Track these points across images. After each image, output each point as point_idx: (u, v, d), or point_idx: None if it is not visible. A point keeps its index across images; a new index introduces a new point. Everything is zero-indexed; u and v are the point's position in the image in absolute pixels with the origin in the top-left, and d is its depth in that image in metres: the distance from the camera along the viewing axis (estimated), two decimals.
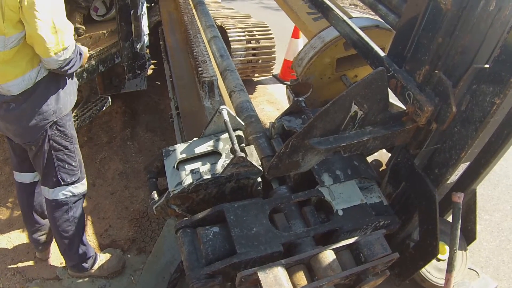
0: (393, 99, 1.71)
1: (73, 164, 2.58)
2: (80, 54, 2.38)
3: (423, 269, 2.07)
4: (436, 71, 1.41)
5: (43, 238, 2.94)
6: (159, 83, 5.78)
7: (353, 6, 14.72)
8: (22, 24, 2.03)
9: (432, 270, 2.16)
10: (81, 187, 2.68)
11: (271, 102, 5.93)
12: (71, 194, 2.63)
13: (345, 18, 1.93)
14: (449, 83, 1.36)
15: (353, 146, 1.56)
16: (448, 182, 1.56)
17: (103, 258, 2.97)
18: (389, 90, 1.57)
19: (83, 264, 2.83)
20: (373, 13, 2.27)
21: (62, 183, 2.57)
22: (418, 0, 1.48)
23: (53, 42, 2.06)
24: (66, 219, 2.65)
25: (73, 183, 2.62)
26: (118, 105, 5.07)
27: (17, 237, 3.30)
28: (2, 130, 2.47)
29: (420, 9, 1.45)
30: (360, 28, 1.87)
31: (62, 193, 2.60)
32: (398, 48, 1.59)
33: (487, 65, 1.32)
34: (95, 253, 2.93)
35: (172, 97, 3.34)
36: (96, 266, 2.92)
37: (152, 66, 6.14)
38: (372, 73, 1.38)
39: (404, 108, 1.58)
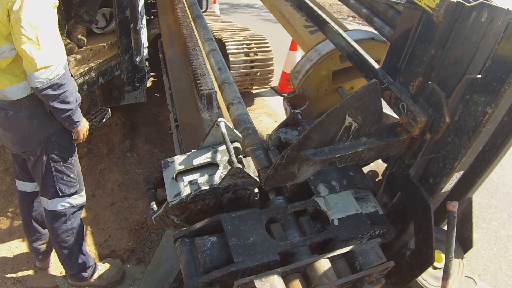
0: (388, 110, 1.75)
1: (71, 175, 2.59)
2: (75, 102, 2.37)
3: (419, 278, 2.08)
4: (430, 82, 1.44)
5: (43, 247, 2.96)
6: (158, 95, 5.83)
7: (351, 18, 14.83)
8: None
9: (429, 278, 2.17)
10: (79, 198, 2.69)
11: (269, 114, 5.97)
12: (69, 205, 2.64)
13: (341, 31, 1.96)
14: (442, 94, 1.39)
15: (348, 157, 1.59)
16: (443, 191, 1.59)
17: (102, 267, 2.98)
18: (384, 102, 1.60)
19: (83, 274, 2.84)
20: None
21: (61, 194, 2.58)
22: (411, 13, 1.51)
23: (36, 57, 2.06)
24: (64, 229, 2.66)
25: (71, 194, 2.63)
26: (117, 117, 5.11)
27: (17, 246, 3.32)
28: (1, 139, 2.50)
29: (413, 22, 1.49)
30: (356, 40, 1.90)
31: (61, 204, 2.61)
32: (392, 60, 1.63)
33: (479, 76, 1.35)
34: (95, 263, 2.94)
35: (171, 109, 3.37)
36: (95, 276, 2.93)
37: (151, 79, 6.18)
38: (365, 86, 1.41)
39: (398, 118, 1.61)
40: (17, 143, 2.40)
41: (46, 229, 2.88)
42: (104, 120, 3.65)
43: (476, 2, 1.28)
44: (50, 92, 2.17)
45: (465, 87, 1.36)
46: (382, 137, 1.58)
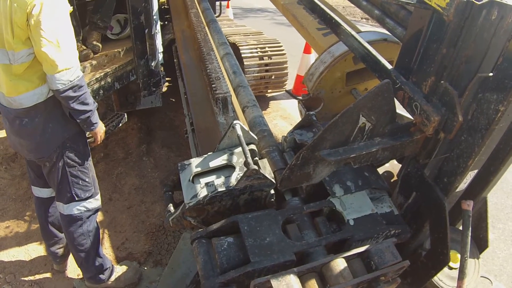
0: (402, 110, 1.75)
1: (86, 180, 2.65)
2: (89, 104, 2.43)
3: (435, 278, 2.08)
4: (442, 81, 1.45)
5: (60, 251, 3.02)
6: (173, 100, 5.88)
7: (364, 20, 14.79)
8: (31, 42, 2.14)
9: (445, 279, 2.17)
10: (95, 202, 2.75)
11: (284, 117, 5.99)
12: (85, 209, 2.70)
13: (353, 33, 1.97)
14: (455, 93, 1.39)
15: (363, 157, 1.59)
16: (457, 190, 1.59)
17: (119, 270, 3.02)
18: (397, 102, 1.61)
19: (100, 276, 2.89)
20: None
21: (77, 199, 2.64)
22: (422, 13, 1.52)
23: (56, 60, 2.15)
24: (81, 233, 2.71)
25: (87, 198, 2.69)
26: (133, 121, 5.17)
27: (35, 249, 3.38)
28: (15, 147, 2.57)
29: (424, 22, 1.49)
30: (368, 42, 1.91)
31: (77, 208, 2.67)
32: (405, 61, 1.64)
33: (491, 74, 1.36)
34: (112, 265, 2.99)
35: (186, 114, 3.40)
36: (113, 278, 2.97)
37: (166, 84, 6.24)
38: (378, 86, 1.42)
39: (412, 118, 1.61)
40: (32, 150, 2.46)
41: (63, 234, 2.93)
42: (120, 124, 3.70)
43: (486, 0, 1.29)
44: (71, 93, 2.26)
45: (477, 85, 1.37)
46: (396, 137, 1.59)
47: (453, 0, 1.33)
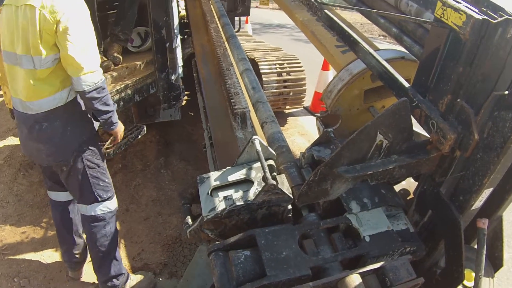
0: (419, 128, 1.77)
1: (106, 180, 2.78)
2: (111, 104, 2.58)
3: None
4: (458, 100, 1.46)
5: (76, 257, 3.07)
6: (192, 114, 5.94)
7: (382, 37, 14.81)
8: (57, 47, 2.32)
9: None
10: (115, 202, 2.88)
11: (302, 133, 6.01)
12: (108, 210, 2.82)
13: (371, 50, 2.00)
14: (471, 111, 1.41)
15: (380, 175, 1.61)
16: (473, 208, 1.59)
17: (134, 279, 3.07)
18: (414, 119, 1.63)
19: (114, 281, 2.93)
20: None
21: (99, 199, 2.77)
22: (439, 31, 1.54)
23: (82, 63, 2.31)
24: (103, 234, 2.81)
25: (108, 198, 2.82)
26: (152, 134, 5.24)
27: (50, 256, 3.44)
28: (32, 153, 2.65)
29: (441, 40, 1.51)
30: (386, 60, 1.94)
31: (100, 208, 2.78)
32: (422, 79, 1.65)
33: (506, 92, 1.37)
34: (127, 273, 3.03)
35: (205, 128, 3.44)
36: (127, 286, 3.01)
37: (185, 97, 6.31)
38: (395, 104, 1.44)
39: (428, 136, 1.63)
40: (51, 153, 2.54)
41: (80, 240, 3.03)
42: (139, 136, 3.76)
43: (502, 18, 1.30)
44: (95, 94, 2.42)
45: (493, 103, 1.38)
46: (413, 154, 1.60)
47: (469, 18, 1.35)
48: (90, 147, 2.64)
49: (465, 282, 1.97)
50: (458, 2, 1.44)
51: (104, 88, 2.47)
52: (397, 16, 2.29)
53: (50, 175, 2.84)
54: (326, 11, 2.53)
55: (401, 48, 2.43)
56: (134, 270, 3.32)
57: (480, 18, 1.32)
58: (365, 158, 1.58)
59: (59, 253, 3.41)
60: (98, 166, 2.72)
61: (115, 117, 2.64)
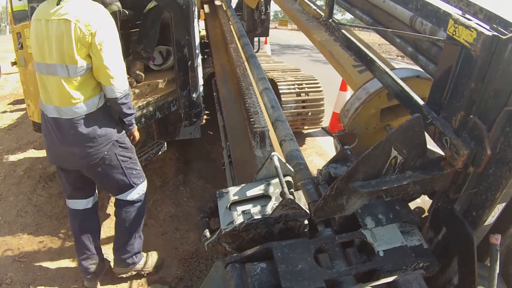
0: (434, 146, 1.80)
1: (138, 168, 3.12)
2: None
3: None
4: (471, 116, 1.49)
5: (93, 267, 3.15)
6: (211, 133, 6.01)
7: (400, 58, 14.83)
8: (90, 57, 2.57)
9: None
10: (145, 183, 3.22)
11: (320, 154, 6.04)
12: (142, 192, 3.17)
13: (387, 69, 2.04)
14: (484, 127, 1.43)
15: (394, 190, 1.63)
16: (486, 224, 1.60)
17: None
18: (429, 137, 1.66)
19: (134, 257, 3.27)
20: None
21: (135, 186, 3.07)
22: (452, 49, 1.57)
23: (114, 72, 2.60)
24: (137, 214, 3.15)
25: (141, 183, 3.14)
26: (171, 152, 5.32)
27: (67, 266, 3.51)
28: (63, 159, 2.84)
29: (453, 58, 1.54)
30: (402, 78, 1.98)
31: (136, 193, 3.11)
32: (436, 96, 1.69)
33: None
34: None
35: (224, 146, 3.49)
36: (141, 264, 3.38)
37: (205, 116, 6.40)
38: (409, 120, 1.48)
39: (442, 153, 1.66)
40: (85, 155, 2.73)
41: (97, 249, 3.16)
42: (160, 152, 3.85)
43: (511, 34, 1.34)
44: (124, 100, 2.74)
45: (504, 119, 1.40)
46: (427, 170, 1.63)
47: (479, 35, 1.38)
48: (120, 144, 2.90)
49: None
50: (469, 20, 1.48)
51: (129, 94, 2.79)
52: (411, 35, 2.34)
53: (73, 181, 3.01)
54: (343, 31, 2.59)
55: (417, 68, 2.47)
56: (150, 283, 3.36)
57: (490, 34, 1.35)
58: (380, 173, 1.61)
59: (76, 263, 3.47)
60: (130, 158, 3.00)
61: (133, 119, 2.96)
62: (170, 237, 3.88)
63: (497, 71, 1.38)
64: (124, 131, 2.95)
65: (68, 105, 2.59)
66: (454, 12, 1.61)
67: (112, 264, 3.37)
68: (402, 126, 1.49)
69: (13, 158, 5.61)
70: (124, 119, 2.84)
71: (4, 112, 8.20)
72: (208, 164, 5.36)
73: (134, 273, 3.36)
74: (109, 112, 2.81)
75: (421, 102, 1.76)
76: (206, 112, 6.10)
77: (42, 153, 5.68)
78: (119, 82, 2.65)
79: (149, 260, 3.44)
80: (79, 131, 2.64)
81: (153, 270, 3.44)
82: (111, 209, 4.23)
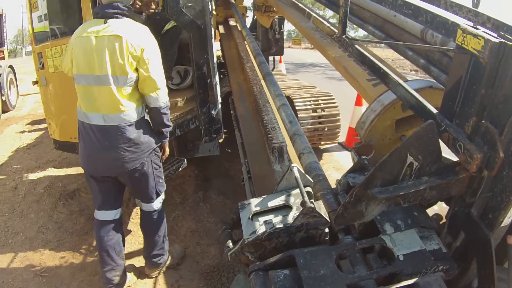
0: (449, 155, 1.84)
1: (162, 177, 3.35)
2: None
3: None
4: (483, 121, 1.54)
5: (116, 279, 3.24)
6: (229, 150, 6.09)
7: (413, 72, 14.83)
8: (137, 70, 2.85)
9: None
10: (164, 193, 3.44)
11: (338, 168, 6.07)
12: (162, 200, 3.41)
13: (401, 81, 2.11)
14: (496, 131, 1.48)
15: (412, 196, 1.68)
16: (502, 225, 1.64)
17: None
18: (444, 145, 1.71)
19: (164, 256, 3.51)
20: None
21: (160, 194, 3.34)
22: (461, 58, 1.63)
23: (159, 84, 2.91)
24: (160, 220, 3.40)
25: (163, 192, 3.39)
26: (191, 169, 5.40)
27: (89, 281, 3.57)
28: (102, 166, 3.03)
29: (463, 66, 1.60)
30: (415, 89, 2.04)
31: (159, 202, 3.36)
32: (448, 104, 1.74)
33: None
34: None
35: (243, 162, 3.57)
36: (170, 258, 3.66)
37: (223, 135, 6.48)
38: (422, 126, 1.54)
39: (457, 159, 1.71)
40: (129, 160, 2.95)
41: (121, 261, 3.28)
42: (180, 169, 3.93)
43: None
44: (166, 110, 3.05)
45: None
46: (443, 176, 1.68)
47: (487, 42, 1.44)
48: (156, 152, 3.16)
49: None
50: (477, 28, 1.55)
51: (169, 106, 3.08)
52: (422, 47, 2.40)
53: (106, 191, 3.19)
54: (357, 46, 2.66)
55: (431, 79, 2.52)
56: None
57: (497, 41, 1.42)
58: (397, 180, 1.66)
59: (97, 278, 3.53)
60: (160, 167, 3.25)
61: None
62: (191, 252, 3.93)
63: (506, 76, 1.44)
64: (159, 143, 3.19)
65: (117, 112, 2.84)
66: (464, 22, 1.68)
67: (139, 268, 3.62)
68: (416, 133, 1.55)
69: (33, 176, 5.75)
70: (163, 129, 3.12)
71: (23, 132, 8.41)
72: (227, 180, 5.42)
73: (164, 269, 3.61)
74: (149, 123, 3.09)
75: (435, 111, 1.82)
76: (224, 130, 6.20)
77: (62, 172, 5.82)
78: (163, 93, 2.96)
79: (174, 252, 3.73)
80: (126, 136, 2.88)
81: (179, 261, 3.74)
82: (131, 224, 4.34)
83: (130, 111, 2.89)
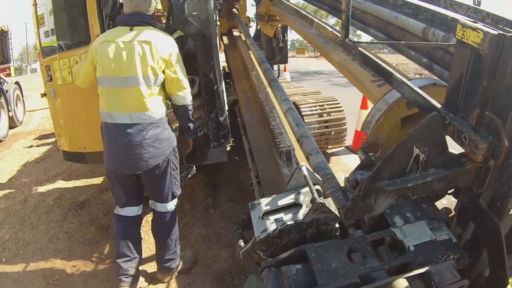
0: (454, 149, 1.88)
1: (178, 179, 3.49)
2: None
3: None
4: (487, 112, 1.58)
5: (132, 270, 3.35)
6: (237, 158, 6.13)
7: (417, 76, 14.84)
8: (164, 72, 3.14)
9: None
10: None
11: (345, 171, 6.12)
12: (176, 203, 3.53)
13: (405, 80, 2.15)
14: (499, 121, 1.52)
15: (420, 188, 1.71)
16: (511, 213, 1.68)
17: None
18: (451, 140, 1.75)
19: (176, 261, 3.56)
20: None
21: (175, 196, 3.48)
22: (462, 52, 1.68)
23: (185, 84, 3.24)
24: (173, 223, 3.50)
25: (178, 195, 3.52)
26: (200, 177, 5.46)
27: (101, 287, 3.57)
28: (127, 163, 3.17)
29: (465, 60, 1.65)
30: (419, 87, 2.08)
31: (174, 204, 3.50)
32: (452, 98, 1.78)
33: None
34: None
35: (252, 168, 3.62)
36: (182, 263, 3.72)
37: (230, 143, 6.53)
38: (427, 118, 1.58)
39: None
40: (153, 156, 3.13)
41: (137, 255, 3.42)
42: (189, 175, 4.01)
43: None
44: (190, 107, 3.36)
45: None
46: (449, 167, 1.71)
47: (486, 35, 1.48)
48: (175, 153, 3.38)
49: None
50: (476, 22, 1.60)
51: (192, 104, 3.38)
52: (423, 44, 2.45)
53: (130, 188, 3.35)
54: (360, 48, 2.71)
55: (434, 77, 2.56)
56: None
57: (496, 33, 1.46)
58: (405, 172, 1.70)
59: (110, 285, 3.60)
60: (177, 168, 3.42)
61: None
62: (202, 256, 3.98)
63: (507, 67, 1.48)
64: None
65: (143, 110, 3.07)
66: (463, 19, 1.73)
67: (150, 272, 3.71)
68: (421, 125, 1.59)
69: (42, 189, 5.83)
70: (189, 124, 3.43)
71: (31, 146, 8.52)
72: (236, 187, 5.47)
73: (176, 274, 3.67)
74: (169, 122, 3.33)
75: (439, 105, 1.85)
76: (232, 139, 6.24)
77: (71, 184, 5.89)
78: (188, 92, 3.29)
79: (186, 257, 3.81)
80: (151, 132, 3.10)
81: (191, 265, 3.81)
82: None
83: (155, 109, 3.12)
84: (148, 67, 3.03)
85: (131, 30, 3.07)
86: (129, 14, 3.15)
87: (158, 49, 3.04)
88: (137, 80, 3.02)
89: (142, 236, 4.25)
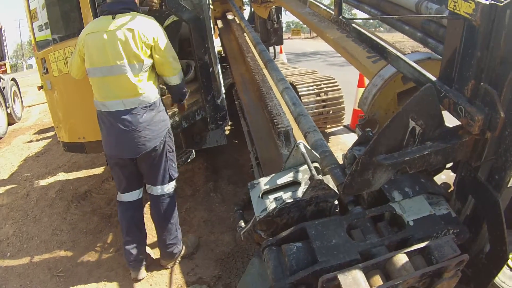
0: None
1: (175, 161, 3.51)
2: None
3: (497, 279, 2.11)
4: (482, 83, 1.57)
5: (141, 255, 3.44)
6: (237, 141, 6.13)
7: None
8: (151, 57, 3.13)
9: (507, 280, 2.20)
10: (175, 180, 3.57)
11: (344, 150, 5.99)
12: (174, 186, 3.54)
13: (399, 54, 2.14)
14: (495, 92, 1.50)
15: (417, 162, 1.70)
16: (509, 185, 1.66)
17: None
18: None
19: (178, 245, 3.59)
20: None
21: (173, 178, 3.49)
22: (455, 23, 1.66)
23: (175, 65, 3.26)
24: (171, 206, 3.50)
25: (175, 177, 3.52)
26: (200, 162, 5.45)
27: (106, 276, 3.65)
28: (126, 147, 3.19)
29: (458, 31, 1.63)
30: (414, 61, 2.07)
31: (171, 186, 3.49)
32: (447, 71, 1.76)
33: None
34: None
35: (251, 150, 3.62)
36: (185, 248, 3.75)
37: (228, 127, 6.53)
38: (421, 89, 1.57)
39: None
40: (151, 138, 3.16)
41: (144, 237, 3.52)
42: (189, 160, 4.01)
43: (508, 1, 1.41)
44: (183, 84, 3.43)
45: None
46: (446, 140, 1.70)
47: (477, 5, 1.46)
48: (170, 135, 3.39)
49: (510, 263, 2.02)
50: None
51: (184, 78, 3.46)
52: (416, 17, 2.43)
53: (129, 173, 3.38)
54: (354, 25, 2.69)
55: (429, 51, 2.55)
56: (189, 284, 3.46)
57: (487, 3, 1.44)
58: (402, 146, 1.68)
59: (114, 273, 3.64)
60: (173, 151, 3.45)
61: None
62: (205, 240, 3.99)
63: (500, 37, 1.46)
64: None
65: (135, 96, 3.07)
66: None
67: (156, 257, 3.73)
68: (416, 97, 1.58)
69: (43, 182, 5.83)
70: (183, 97, 3.52)
71: (31, 141, 8.51)
72: (236, 170, 5.46)
73: (179, 259, 3.69)
74: (163, 103, 3.36)
75: (434, 78, 1.84)
76: (230, 122, 6.23)
77: (72, 175, 5.89)
78: (180, 72, 3.34)
79: (189, 242, 3.84)
80: (146, 116, 3.12)
81: (194, 250, 3.83)
82: None
83: (148, 93, 3.13)
84: (133, 54, 3.02)
85: (113, 18, 3.04)
86: (111, 3, 3.13)
87: (141, 35, 3.02)
88: (124, 68, 3.02)
89: (145, 224, 4.29)
